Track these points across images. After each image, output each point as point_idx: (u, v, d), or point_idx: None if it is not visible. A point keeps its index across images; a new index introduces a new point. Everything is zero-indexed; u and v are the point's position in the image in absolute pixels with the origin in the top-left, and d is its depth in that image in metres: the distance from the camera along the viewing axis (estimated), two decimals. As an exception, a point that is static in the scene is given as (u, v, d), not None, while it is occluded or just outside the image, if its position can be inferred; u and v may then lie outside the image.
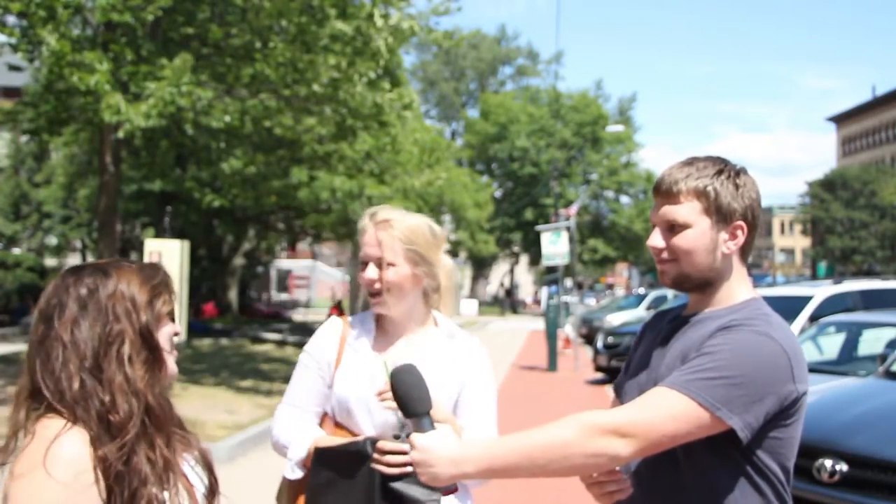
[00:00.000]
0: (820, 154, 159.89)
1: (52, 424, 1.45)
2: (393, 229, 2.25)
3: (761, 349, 1.71)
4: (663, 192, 1.86)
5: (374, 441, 2.11)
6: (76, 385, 1.47)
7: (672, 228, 1.85)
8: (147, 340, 1.54)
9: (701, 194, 1.82)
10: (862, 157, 66.79)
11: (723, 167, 1.86)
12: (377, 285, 2.24)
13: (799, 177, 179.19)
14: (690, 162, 1.88)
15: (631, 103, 54.14)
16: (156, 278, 1.60)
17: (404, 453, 2.08)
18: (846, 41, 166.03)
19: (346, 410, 2.23)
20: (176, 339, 1.64)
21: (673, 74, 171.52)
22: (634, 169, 49.71)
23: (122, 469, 1.44)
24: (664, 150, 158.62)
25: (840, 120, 73.64)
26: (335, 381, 2.27)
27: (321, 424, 2.30)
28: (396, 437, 2.13)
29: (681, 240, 1.84)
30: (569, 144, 47.99)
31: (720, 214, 1.83)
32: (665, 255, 1.86)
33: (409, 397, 1.81)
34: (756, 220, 1.87)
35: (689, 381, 1.68)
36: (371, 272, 2.24)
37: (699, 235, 1.83)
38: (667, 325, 1.97)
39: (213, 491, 1.63)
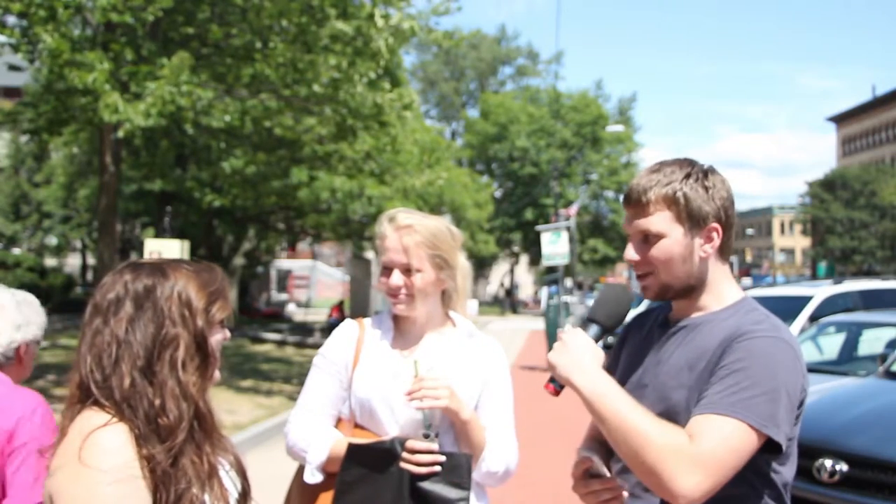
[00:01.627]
0: (820, 154, 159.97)
1: (92, 418, 1.43)
2: (417, 234, 2.22)
3: (783, 356, 1.70)
4: (633, 202, 1.82)
5: (402, 441, 2.11)
6: (127, 383, 1.45)
7: (646, 239, 1.82)
8: (201, 347, 1.52)
9: (671, 202, 1.79)
10: (862, 157, 66.80)
11: (690, 170, 1.83)
12: (403, 291, 2.23)
13: (799, 177, 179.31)
14: (658, 168, 1.85)
15: (631, 103, 54.14)
16: (213, 284, 1.58)
17: (433, 452, 2.09)
18: (846, 41, 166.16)
19: (368, 411, 2.21)
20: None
21: (673, 75, 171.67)
22: (634, 169, 49.67)
23: (168, 470, 1.42)
24: (665, 150, 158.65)
25: (840, 120, 73.64)
26: (355, 382, 2.24)
27: (337, 427, 2.27)
28: (426, 437, 2.13)
29: (656, 251, 1.81)
30: (569, 144, 47.99)
31: (692, 220, 1.80)
32: (642, 267, 1.84)
33: (603, 306, 1.86)
34: (731, 219, 1.85)
35: (735, 404, 1.65)
36: (397, 279, 2.23)
37: (673, 244, 1.80)
38: (657, 331, 1.94)
39: (245, 495, 1.63)
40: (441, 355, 2.26)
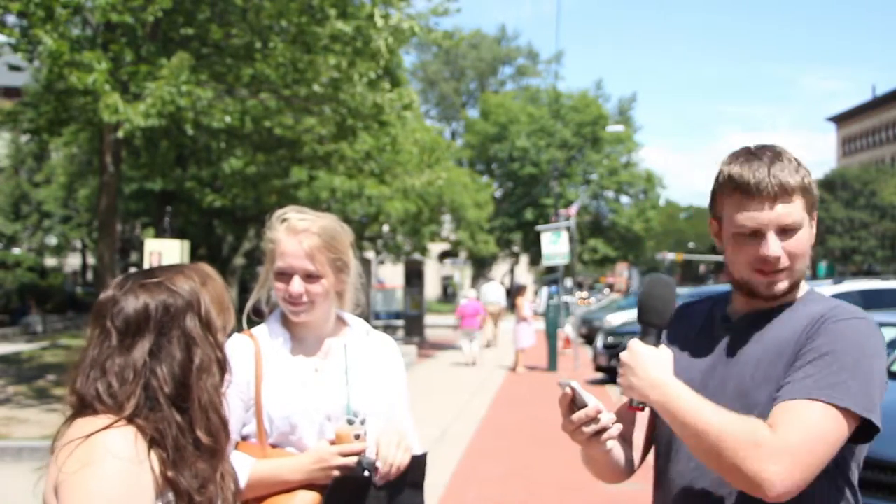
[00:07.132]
0: (820, 154, 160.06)
1: (96, 422, 1.42)
2: (316, 237, 2.14)
3: (873, 338, 1.61)
4: (772, 192, 1.63)
5: (371, 463, 2.06)
6: (151, 411, 1.45)
7: (782, 232, 1.65)
8: (221, 364, 1.55)
9: (805, 190, 1.66)
10: (862, 157, 66.80)
11: (789, 154, 1.71)
12: (304, 298, 2.15)
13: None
14: (772, 154, 1.69)
15: (631, 103, 54.14)
16: (223, 294, 1.60)
17: (360, 440, 2.08)
18: (848, 42, 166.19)
19: (289, 426, 2.12)
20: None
21: (674, 75, 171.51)
22: (634, 169, 49.72)
23: (193, 495, 1.44)
24: (665, 150, 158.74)
25: (840, 120, 73.65)
26: (266, 399, 2.12)
27: (240, 451, 2.11)
28: (349, 423, 2.10)
29: (795, 244, 1.65)
30: (569, 144, 47.99)
31: (813, 209, 1.69)
32: (782, 263, 1.65)
33: (652, 308, 1.75)
34: None
35: (825, 388, 1.53)
36: (298, 286, 2.13)
37: (806, 235, 1.67)
38: (719, 327, 1.79)
39: (235, 496, 1.63)
40: (349, 359, 2.21)
